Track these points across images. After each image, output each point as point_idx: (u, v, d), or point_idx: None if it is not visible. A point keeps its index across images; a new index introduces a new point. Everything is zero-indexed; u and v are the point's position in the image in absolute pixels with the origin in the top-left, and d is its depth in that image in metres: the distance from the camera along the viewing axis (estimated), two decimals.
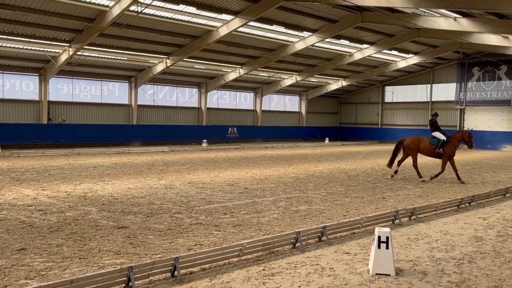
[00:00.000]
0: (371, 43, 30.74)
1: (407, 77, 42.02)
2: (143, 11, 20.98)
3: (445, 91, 39.96)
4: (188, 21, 23.91)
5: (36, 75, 27.88)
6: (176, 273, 6.12)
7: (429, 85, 40.95)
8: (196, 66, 31.88)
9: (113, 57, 27.86)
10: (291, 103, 43.78)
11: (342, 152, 30.51)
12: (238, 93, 39.25)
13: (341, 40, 29.23)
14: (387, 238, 6.30)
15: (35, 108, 28.13)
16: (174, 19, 23.38)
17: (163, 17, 22.99)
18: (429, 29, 25.58)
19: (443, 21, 23.35)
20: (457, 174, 16.20)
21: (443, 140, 16.07)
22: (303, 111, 43.90)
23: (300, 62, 33.19)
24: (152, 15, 22.49)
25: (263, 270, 6.49)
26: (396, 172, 17.03)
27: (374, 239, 6.37)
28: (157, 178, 15.49)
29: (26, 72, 27.62)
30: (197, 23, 24.35)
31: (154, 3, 20.62)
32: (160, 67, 29.58)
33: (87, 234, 8.17)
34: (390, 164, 17.02)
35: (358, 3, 20.12)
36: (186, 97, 35.52)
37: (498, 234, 8.86)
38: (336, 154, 28.59)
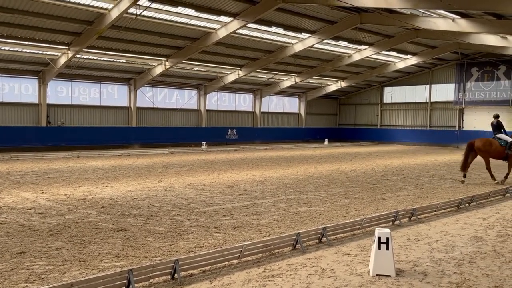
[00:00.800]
0: (369, 44, 30.77)
1: (406, 77, 42.06)
2: (142, 14, 20.99)
3: (444, 92, 40.00)
4: (186, 23, 23.94)
5: (35, 78, 27.88)
6: (176, 275, 6.11)
7: (428, 86, 40.99)
8: (195, 68, 31.90)
9: (112, 60, 27.87)
10: (290, 105, 43.80)
11: (342, 153, 30.52)
12: (237, 95, 39.26)
13: (340, 41, 29.26)
14: (387, 239, 6.30)
15: (34, 111, 28.12)
16: (172, 21, 23.40)
17: (162, 19, 23.01)
18: (428, 30, 25.61)
19: (442, 21, 23.39)
20: (507, 175, 15.99)
21: (511, 141, 15.64)
22: (302, 112, 43.92)
23: (299, 64, 33.22)
24: (151, 17, 22.51)
25: (264, 272, 6.49)
26: (465, 175, 16.17)
27: (374, 240, 6.37)
28: (157, 181, 15.48)
29: (25, 75, 27.61)
30: (196, 25, 24.37)
31: (153, 5, 20.64)
32: (159, 70, 29.60)
33: (87, 237, 8.16)
34: (465, 167, 16.02)
35: (356, 4, 20.14)
36: (185, 99, 35.53)
37: (498, 234, 8.86)
38: (335, 155, 28.59)
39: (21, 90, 27.82)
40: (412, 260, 7.06)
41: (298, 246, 7.58)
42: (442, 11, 22.30)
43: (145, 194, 12.69)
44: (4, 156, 22.75)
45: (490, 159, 16.01)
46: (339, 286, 5.97)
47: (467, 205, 11.71)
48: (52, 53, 25.48)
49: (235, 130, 37.97)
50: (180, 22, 23.67)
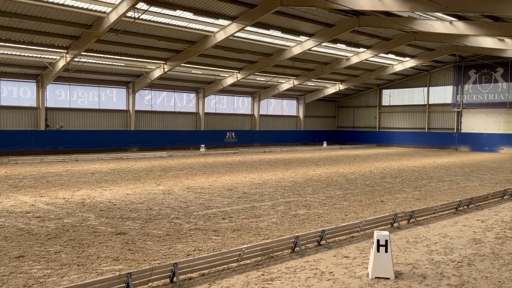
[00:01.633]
0: (367, 47, 30.84)
1: (404, 80, 42.13)
2: (140, 17, 21.01)
3: (442, 94, 40.08)
4: (185, 27, 23.95)
5: (33, 81, 27.86)
6: (175, 278, 6.11)
7: (426, 88, 41.06)
8: (193, 71, 31.91)
9: (110, 63, 27.87)
10: (288, 107, 43.83)
11: (340, 155, 30.54)
12: (235, 98, 39.28)
13: (338, 44, 29.31)
14: (386, 241, 6.30)
15: (32, 114, 28.09)
16: (171, 24, 23.42)
17: (160, 22, 23.03)
18: (425, 33, 25.67)
19: (439, 24, 23.46)
20: None
21: None
22: (301, 115, 43.95)
23: (297, 67, 33.26)
24: (149, 21, 22.53)
25: (263, 275, 6.48)
26: None
27: (373, 243, 6.37)
28: (155, 184, 15.47)
29: (23, 79, 27.60)
30: (194, 29, 24.39)
31: (151, 9, 20.66)
32: (157, 73, 29.61)
33: (86, 241, 8.15)
34: None
35: (354, 7, 20.18)
36: (183, 102, 35.53)
37: (497, 236, 8.87)
38: (334, 157, 28.61)
39: (19, 93, 27.78)
40: (411, 263, 7.07)
41: (297, 249, 7.58)
42: (439, 14, 22.38)
43: (143, 198, 12.68)
44: (2, 160, 22.72)
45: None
46: None
47: (465, 207, 11.73)
48: (51, 57, 25.47)
49: (233, 133, 37.97)
50: (178, 26, 23.69)
